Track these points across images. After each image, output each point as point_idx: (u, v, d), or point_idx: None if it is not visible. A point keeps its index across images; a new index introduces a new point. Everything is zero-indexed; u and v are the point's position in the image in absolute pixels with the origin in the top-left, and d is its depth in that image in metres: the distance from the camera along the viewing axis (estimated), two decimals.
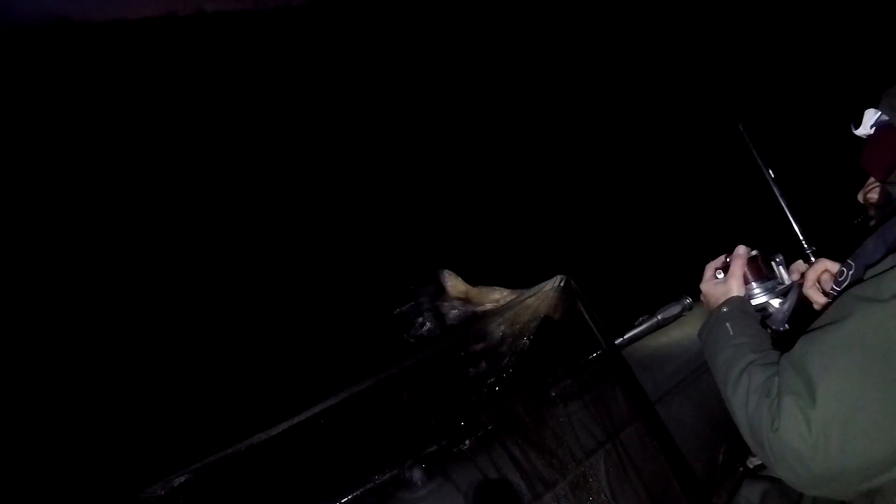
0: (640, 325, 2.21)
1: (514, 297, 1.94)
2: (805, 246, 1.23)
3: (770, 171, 1.43)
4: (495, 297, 2.01)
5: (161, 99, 4.40)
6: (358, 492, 1.46)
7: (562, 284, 1.73)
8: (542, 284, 1.76)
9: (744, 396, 0.88)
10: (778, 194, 1.44)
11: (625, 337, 2.16)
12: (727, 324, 1.02)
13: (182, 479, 1.33)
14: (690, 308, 2.17)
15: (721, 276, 1.11)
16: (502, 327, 1.68)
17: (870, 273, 0.79)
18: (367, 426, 1.49)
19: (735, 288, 1.09)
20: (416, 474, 1.46)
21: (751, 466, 2.13)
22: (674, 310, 2.18)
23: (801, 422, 0.75)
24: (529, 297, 1.74)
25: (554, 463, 1.50)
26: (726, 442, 2.00)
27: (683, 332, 2.12)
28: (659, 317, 2.18)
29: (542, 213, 5.89)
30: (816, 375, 0.75)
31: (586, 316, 1.75)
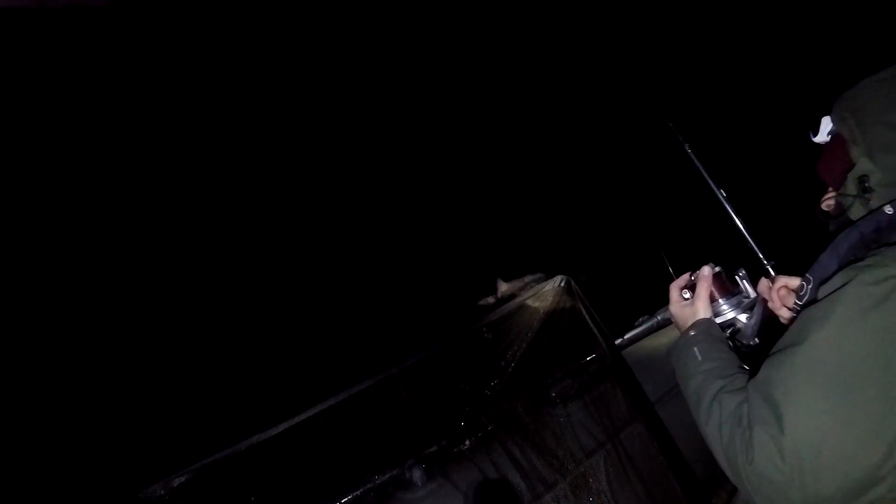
0: (640, 325, 2.21)
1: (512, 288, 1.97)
2: (764, 262, 1.23)
3: (722, 191, 1.43)
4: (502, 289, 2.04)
5: None
6: (358, 492, 1.46)
7: (562, 285, 1.73)
8: (543, 285, 1.76)
9: (717, 427, 0.88)
10: (732, 212, 1.45)
11: (625, 337, 2.16)
12: (695, 348, 1.02)
13: (182, 479, 1.33)
14: None
15: (688, 296, 1.11)
16: (503, 328, 1.68)
17: (823, 291, 0.79)
18: (367, 426, 1.49)
19: (702, 310, 1.09)
20: (416, 474, 1.46)
21: None
22: None
23: (774, 451, 0.75)
24: (530, 297, 1.74)
25: (554, 463, 1.50)
26: None
27: None
28: (659, 317, 2.18)
29: (543, 215, 5.90)
30: (781, 402, 0.76)
31: (586, 316, 1.75)
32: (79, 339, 4.22)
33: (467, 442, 1.55)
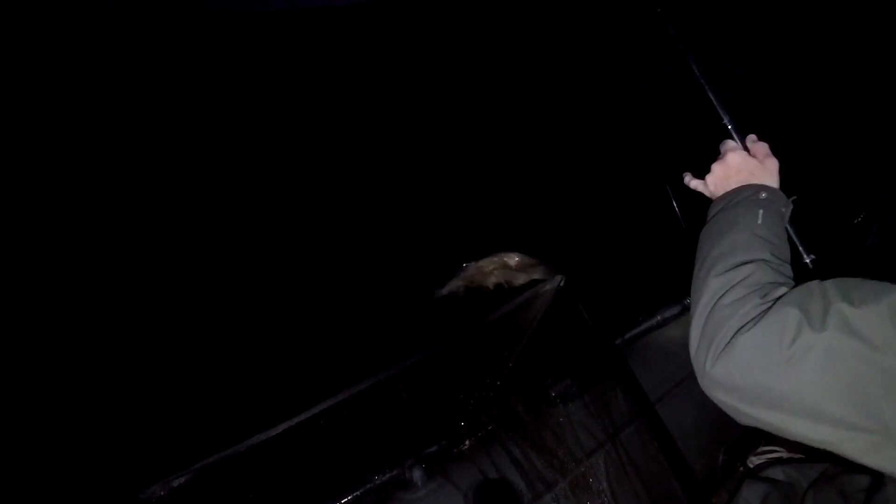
0: (639, 325, 2.21)
1: (507, 262, 1.98)
2: (804, 255, 1.19)
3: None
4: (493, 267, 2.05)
5: None
6: (358, 492, 1.46)
7: (561, 285, 1.73)
8: (542, 284, 1.76)
9: (729, 284, 0.75)
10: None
11: (624, 337, 2.16)
12: (760, 210, 0.86)
13: (182, 479, 1.32)
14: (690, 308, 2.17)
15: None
16: (502, 328, 1.68)
17: None
18: (367, 426, 1.49)
19: (776, 180, 0.94)
20: (416, 474, 1.46)
21: (751, 466, 2.13)
22: (674, 310, 2.17)
23: (790, 331, 0.65)
24: (528, 297, 1.74)
25: (554, 463, 1.50)
26: (726, 442, 2.00)
27: (683, 332, 2.11)
28: (659, 317, 2.17)
29: (542, 214, 5.90)
30: (835, 311, 0.64)
31: (586, 316, 1.75)
32: (78, 338, 4.22)
33: (467, 442, 1.55)
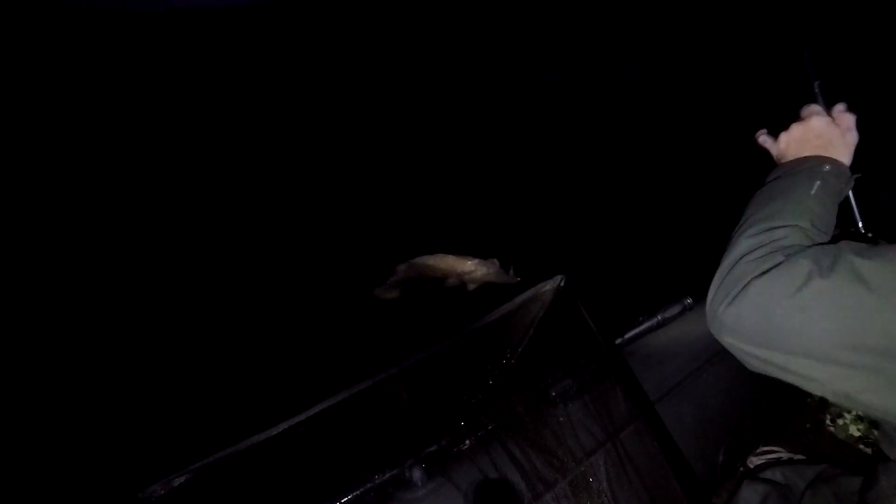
0: (640, 325, 2.21)
1: (465, 265, 2.02)
2: (863, 231, 1.15)
3: None
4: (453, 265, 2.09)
5: None
6: (358, 492, 1.46)
7: (561, 284, 1.72)
8: (542, 284, 1.76)
9: (756, 243, 0.78)
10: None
11: (625, 337, 2.16)
12: (817, 182, 0.87)
13: (182, 479, 1.32)
14: (691, 308, 2.17)
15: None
16: (502, 327, 1.68)
17: None
18: (367, 426, 1.49)
19: (849, 153, 0.95)
20: (416, 474, 1.46)
21: (751, 467, 2.13)
22: (674, 310, 2.17)
23: (800, 277, 0.68)
24: (528, 297, 1.73)
25: (554, 463, 1.50)
26: (726, 442, 2.00)
27: (683, 331, 2.12)
28: (659, 317, 2.17)
29: (542, 214, 5.90)
30: (845, 261, 0.68)
31: (586, 316, 1.75)
32: (78, 338, 4.22)
33: (467, 442, 1.54)
